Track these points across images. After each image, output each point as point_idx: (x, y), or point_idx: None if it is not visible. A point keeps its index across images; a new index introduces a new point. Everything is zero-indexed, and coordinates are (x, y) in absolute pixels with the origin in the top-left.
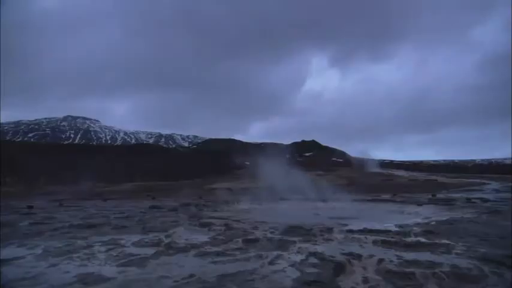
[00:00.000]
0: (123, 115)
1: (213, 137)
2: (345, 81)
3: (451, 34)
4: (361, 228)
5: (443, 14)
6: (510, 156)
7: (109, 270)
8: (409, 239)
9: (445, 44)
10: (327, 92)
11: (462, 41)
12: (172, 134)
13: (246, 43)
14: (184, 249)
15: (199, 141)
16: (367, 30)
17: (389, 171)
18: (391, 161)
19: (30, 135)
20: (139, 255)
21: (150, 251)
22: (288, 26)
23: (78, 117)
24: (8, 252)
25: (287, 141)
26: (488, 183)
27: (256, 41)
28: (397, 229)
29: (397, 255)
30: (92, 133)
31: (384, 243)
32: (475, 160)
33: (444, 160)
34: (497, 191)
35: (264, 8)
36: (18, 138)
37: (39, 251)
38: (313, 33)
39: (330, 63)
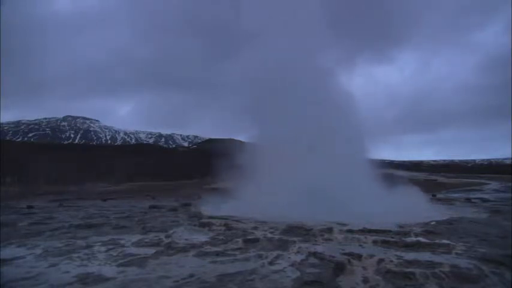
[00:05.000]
0: (123, 115)
1: (213, 137)
2: (347, 83)
3: (452, 36)
4: (361, 228)
5: (444, 16)
6: (510, 156)
7: (109, 270)
8: (409, 239)
9: (446, 45)
10: None
11: (463, 43)
12: (172, 134)
13: (248, 43)
14: (184, 249)
15: (199, 141)
16: (369, 32)
17: (389, 171)
18: (392, 161)
19: (30, 135)
20: (139, 255)
21: (150, 251)
22: None
23: (78, 117)
24: (8, 252)
25: None
26: (488, 183)
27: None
28: (397, 229)
29: (397, 255)
30: (92, 133)
31: (384, 243)
32: (475, 160)
33: (444, 160)
34: (497, 191)
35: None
36: (18, 138)
37: (39, 251)
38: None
39: (334, 66)
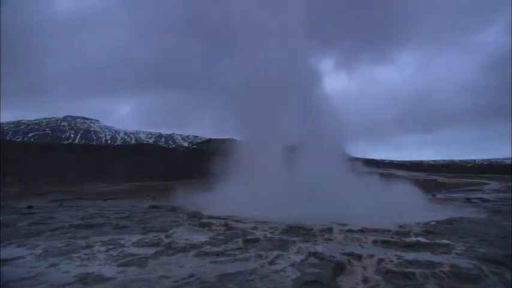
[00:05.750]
0: (123, 115)
1: (213, 137)
2: (348, 84)
3: (452, 36)
4: (360, 228)
5: (445, 16)
6: (510, 156)
7: (109, 270)
8: (409, 239)
9: (446, 46)
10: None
11: (463, 43)
12: (172, 134)
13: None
14: (184, 249)
15: (199, 141)
16: (370, 33)
17: (389, 171)
18: (392, 161)
19: (30, 135)
20: (139, 255)
21: (150, 251)
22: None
23: (78, 117)
24: (8, 252)
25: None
26: (488, 183)
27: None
28: (397, 229)
29: (397, 255)
30: (92, 133)
31: (383, 243)
32: (475, 160)
33: (444, 160)
34: (497, 191)
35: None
36: (18, 138)
37: (39, 251)
38: (317, 36)
39: (335, 67)
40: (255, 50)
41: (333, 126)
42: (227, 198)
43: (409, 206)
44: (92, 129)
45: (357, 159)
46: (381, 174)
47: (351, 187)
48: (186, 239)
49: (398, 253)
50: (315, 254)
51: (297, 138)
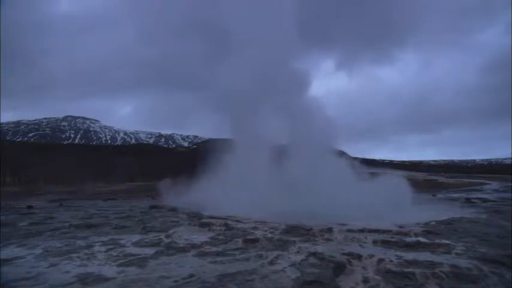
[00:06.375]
0: (123, 115)
1: (213, 137)
2: (348, 84)
3: (453, 37)
4: (360, 228)
5: (446, 17)
6: (510, 156)
7: (109, 270)
8: (409, 239)
9: (447, 46)
10: (330, 95)
11: (464, 44)
12: (172, 134)
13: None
14: (184, 249)
15: (199, 141)
16: (371, 33)
17: (388, 171)
18: (391, 161)
19: (30, 135)
20: (139, 255)
21: (150, 251)
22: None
23: (78, 117)
24: (8, 252)
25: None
26: (488, 183)
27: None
28: (397, 229)
29: (397, 255)
30: (92, 133)
31: (383, 243)
32: (475, 160)
33: (444, 160)
34: (497, 191)
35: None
36: (18, 138)
37: (39, 251)
38: (318, 37)
39: (336, 67)
40: (247, 52)
41: (323, 127)
42: (224, 197)
43: (407, 205)
44: (92, 129)
45: (356, 159)
46: (380, 174)
47: (348, 187)
48: (186, 239)
49: (398, 253)
50: (315, 254)
51: (286, 139)
